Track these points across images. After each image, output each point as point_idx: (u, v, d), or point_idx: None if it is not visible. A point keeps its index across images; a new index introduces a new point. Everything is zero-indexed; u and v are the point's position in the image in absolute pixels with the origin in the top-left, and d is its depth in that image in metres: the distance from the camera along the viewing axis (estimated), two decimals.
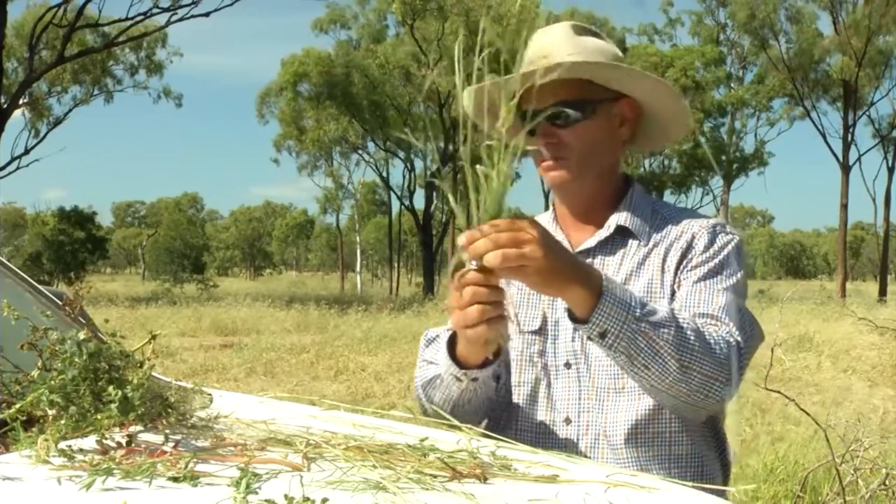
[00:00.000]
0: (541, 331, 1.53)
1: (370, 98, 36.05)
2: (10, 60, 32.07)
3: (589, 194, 1.55)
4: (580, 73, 1.46)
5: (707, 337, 1.31)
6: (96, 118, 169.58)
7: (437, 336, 1.56)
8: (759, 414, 7.30)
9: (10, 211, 63.97)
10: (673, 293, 1.47)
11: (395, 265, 49.06)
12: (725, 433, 1.58)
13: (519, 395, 1.54)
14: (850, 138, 36.45)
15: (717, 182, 44.54)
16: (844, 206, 35.51)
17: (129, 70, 35.87)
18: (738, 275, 1.47)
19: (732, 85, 43.52)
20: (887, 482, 3.48)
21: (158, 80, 36.98)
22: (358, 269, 54.19)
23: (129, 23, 26.75)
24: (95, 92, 35.48)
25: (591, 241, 1.54)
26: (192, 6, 25.93)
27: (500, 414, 1.56)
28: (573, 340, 1.50)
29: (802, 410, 3.53)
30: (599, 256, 1.53)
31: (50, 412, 1.13)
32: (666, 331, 1.26)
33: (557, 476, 1.07)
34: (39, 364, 1.19)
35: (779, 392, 3.63)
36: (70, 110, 35.46)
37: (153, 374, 1.23)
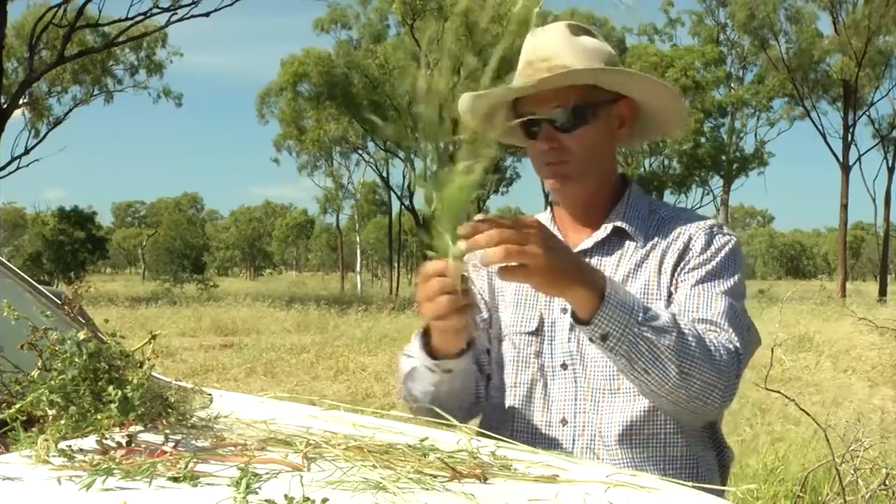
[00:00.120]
0: (537, 332, 1.53)
1: (370, 98, 36.01)
2: (10, 60, 32.08)
3: (588, 196, 1.55)
4: (588, 78, 1.46)
5: (708, 344, 1.31)
6: (96, 118, 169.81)
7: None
8: (759, 414, 7.29)
9: (10, 211, 63.98)
10: (670, 295, 1.46)
11: (395, 265, 49.04)
12: (723, 435, 1.58)
13: (515, 396, 1.53)
14: (850, 138, 36.45)
15: (717, 182, 44.57)
16: (844, 206, 35.51)
17: (129, 70, 35.90)
18: (736, 277, 1.47)
19: (732, 85, 43.50)
20: (887, 482, 3.48)
21: (158, 80, 36.99)
22: (358, 269, 54.19)
23: (129, 23, 26.75)
24: (95, 92, 35.52)
25: (587, 243, 1.54)
26: (192, 6, 25.93)
27: (492, 414, 1.57)
28: (569, 341, 1.50)
29: (802, 410, 3.53)
30: (596, 257, 1.53)
31: (50, 412, 1.13)
32: (667, 336, 1.26)
33: (557, 476, 1.08)
34: (39, 364, 1.19)
35: (779, 392, 3.63)
36: (70, 110, 35.52)
37: (153, 374, 1.23)
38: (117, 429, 1.12)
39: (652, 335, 1.25)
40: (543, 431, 1.50)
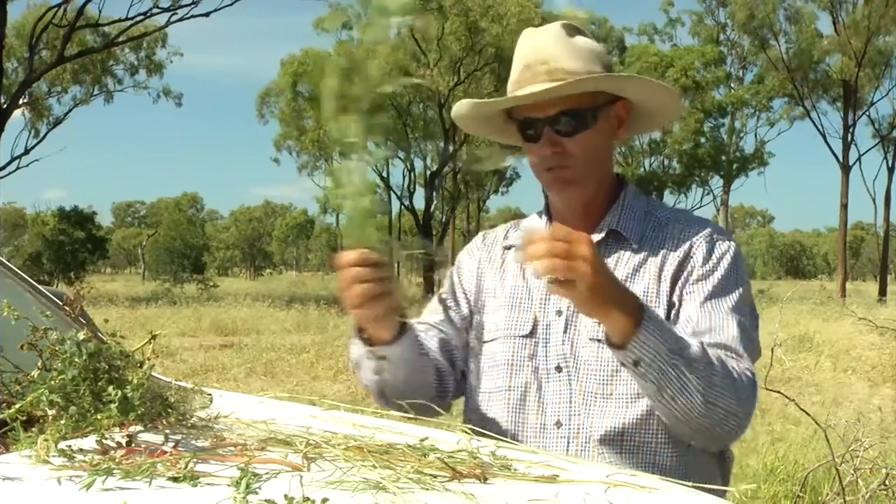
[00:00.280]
0: (532, 334, 1.53)
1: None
2: (10, 60, 32.08)
3: (586, 198, 1.55)
4: (592, 86, 1.46)
5: (731, 372, 1.34)
6: (96, 118, 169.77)
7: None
8: (759, 414, 7.29)
9: (10, 211, 63.99)
10: (670, 304, 1.46)
11: (395, 265, 49.03)
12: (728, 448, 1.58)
13: (509, 399, 1.53)
14: (850, 138, 36.49)
15: (717, 182, 44.57)
16: (844, 206, 35.53)
17: (129, 70, 35.95)
18: (742, 287, 1.48)
19: (732, 85, 43.53)
20: (887, 482, 3.48)
21: (158, 80, 37.04)
22: None
23: (129, 23, 26.80)
24: (95, 92, 35.56)
25: None
26: (192, 6, 25.97)
27: (471, 415, 1.56)
28: (563, 344, 1.49)
29: (802, 410, 3.53)
30: None
31: (50, 412, 1.13)
32: (697, 367, 1.29)
33: (557, 476, 1.08)
34: (39, 364, 1.19)
35: (779, 392, 3.64)
36: (70, 110, 35.57)
37: (153, 374, 1.23)
38: (117, 429, 1.12)
39: (682, 364, 1.27)
40: (538, 434, 1.49)
